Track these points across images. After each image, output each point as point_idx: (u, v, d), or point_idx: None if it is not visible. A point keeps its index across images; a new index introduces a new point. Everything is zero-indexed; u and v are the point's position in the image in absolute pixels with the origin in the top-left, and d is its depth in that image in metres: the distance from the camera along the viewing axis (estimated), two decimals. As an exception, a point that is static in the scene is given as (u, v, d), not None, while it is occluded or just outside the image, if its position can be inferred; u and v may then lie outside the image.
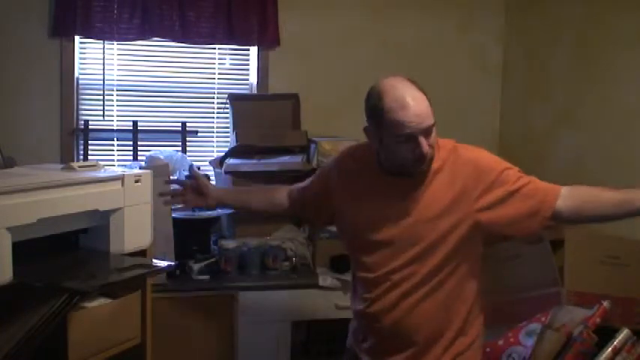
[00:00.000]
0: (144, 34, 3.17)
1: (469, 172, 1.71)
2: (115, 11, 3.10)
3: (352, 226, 1.83)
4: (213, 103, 3.43)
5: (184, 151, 3.30)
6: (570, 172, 3.13)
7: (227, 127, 3.40)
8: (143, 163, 2.85)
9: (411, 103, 1.60)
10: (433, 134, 1.65)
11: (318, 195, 1.94)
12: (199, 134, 3.39)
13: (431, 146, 1.65)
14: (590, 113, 3.03)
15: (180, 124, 3.33)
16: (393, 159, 1.70)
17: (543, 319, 2.20)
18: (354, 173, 1.84)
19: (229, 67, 3.45)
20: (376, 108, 1.64)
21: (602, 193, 1.70)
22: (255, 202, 2.09)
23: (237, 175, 3.02)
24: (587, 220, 1.84)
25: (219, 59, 3.42)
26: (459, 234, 1.70)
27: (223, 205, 2.33)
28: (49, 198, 1.67)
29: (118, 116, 3.29)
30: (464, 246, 1.71)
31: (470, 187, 1.70)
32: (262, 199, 2.08)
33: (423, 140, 1.62)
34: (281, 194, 2.04)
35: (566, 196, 1.69)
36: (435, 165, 1.71)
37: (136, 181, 1.92)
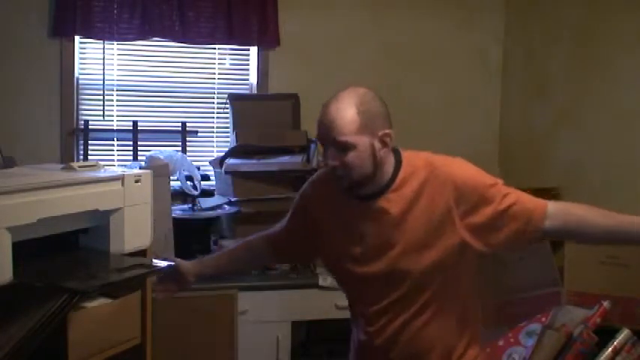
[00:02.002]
0: (144, 34, 3.17)
1: (450, 191, 1.56)
2: (115, 11, 3.10)
3: (339, 258, 1.67)
4: (213, 103, 3.43)
5: (184, 151, 3.30)
6: (570, 172, 3.13)
7: (227, 127, 3.40)
8: (143, 163, 2.85)
9: (330, 110, 1.51)
10: (351, 155, 1.51)
11: (299, 230, 1.77)
12: (199, 134, 3.39)
13: (345, 166, 1.52)
14: (590, 113, 3.03)
15: (180, 124, 3.33)
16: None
17: (543, 319, 2.19)
18: (330, 200, 1.67)
19: (229, 67, 3.45)
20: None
21: (593, 218, 1.57)
22: (236, 263, 1.95)
23: (237, 175, 3.02)
24: (576, 242, 1.78)
25: (219, 59, 3.42)
26: (452, 257, 1.58)
27: (206, 278, 2.03)
28: (49, 198, 1.66)
29: (118, 116, 3.29)
30: (460, 265, 1.62)
31: (453, 207, 1.56)
32: (244, 257, 1.92)
33: (331, 151, 1.53)
34: (260, 244, 1.87)
35: (554, 216, 1.58)
36: (413, 186, 1.58)
37: (136, 181, 1.92)
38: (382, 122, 1.53)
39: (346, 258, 1.65)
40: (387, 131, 1.54)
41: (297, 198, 1.79)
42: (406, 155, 1.62)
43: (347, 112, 1.50)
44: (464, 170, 1.60)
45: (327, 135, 1.52)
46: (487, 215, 1.56)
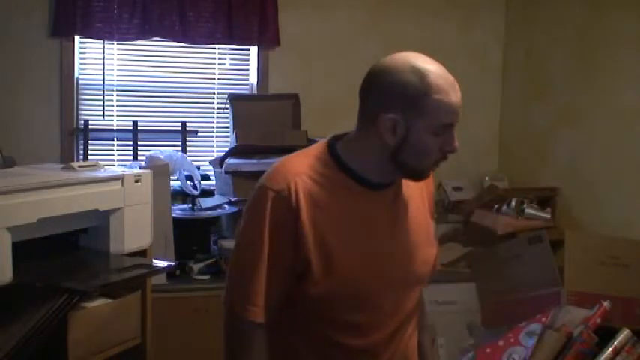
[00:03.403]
0: (144, 34, 3.17)
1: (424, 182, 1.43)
2: (115, 11, 3.10)
3: (360, 268, 1.30)
4: (213, 103, 3.42)
5: (184, 151, 3.30)
6: (570, 172, 3.14)
7: (227, 127, 3.40)
8: (143, 163, 2.85)
9: (456, 85, 1.30)
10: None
11: (287, 269, 1.28)
12: (199, 134, 3.39)
13: None
14: (590, 113, 3.03)
15: (180, 124, 3.33)
16: (412, 159, 1.28)
17: (543, 319, 2.19)
18: (324, 196, 1.28)
19: (229, 67, 3.44)
20: (416, 89, 1.24)
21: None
22: None
23: (237, 175, 3.02)
24: None
25: (219, 59, 3.41)
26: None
27: None
28: (49, 198, 1.67)
29: (118, 116, 3.29)
30: None
31: (425, 199, 1.45)
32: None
33: (453, 131, 1.31)
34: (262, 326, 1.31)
35: None
36: None
37: (136, 181, 1.92)
38: None
39: (377, 269, 1.32)
40: None
41: (265, 228, 1.25)
42: None
43: None
44: None
45: (460, 112, 1.32)
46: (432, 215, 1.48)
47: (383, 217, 1.34)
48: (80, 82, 3.21)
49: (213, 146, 3.44)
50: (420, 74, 1.25)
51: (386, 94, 1.26)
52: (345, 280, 1.28)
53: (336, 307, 1.31)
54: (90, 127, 3.20)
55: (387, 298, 1.34)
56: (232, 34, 3.26)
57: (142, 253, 1.95)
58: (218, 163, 3.10)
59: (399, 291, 1.36)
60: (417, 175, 1.34)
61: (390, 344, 1.37)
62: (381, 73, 1.27)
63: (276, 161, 1.36)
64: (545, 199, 3.18)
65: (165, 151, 3.07)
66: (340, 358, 1.34)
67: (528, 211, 3.06)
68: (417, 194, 1.41)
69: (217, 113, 3.42)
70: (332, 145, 1.34)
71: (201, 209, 2.97)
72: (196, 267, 2.80)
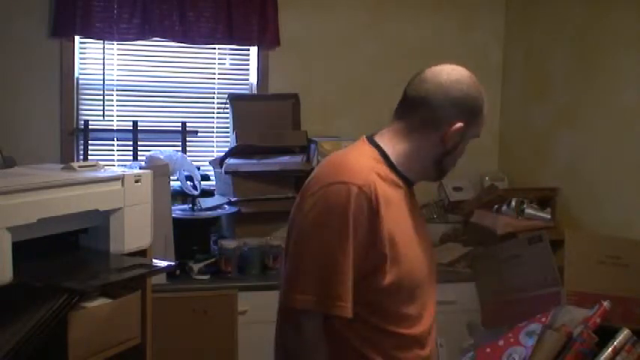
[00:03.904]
0: (144, 34, 3.17)
1: None
2: (115, 11, 3.10)
3: (418, 264, 1.43)
4: (213, 103, 3.42)
5: (184, 151, 3.30)
6: (570, 172, 3.14)
7: (227, 127, 3.40)
8: (143, 163, 2.85)
9: None
10: None
11: (362, 250, 1.34)
12: (199, 134, 3.39)
13: None
14: (590, 113, 3.03)
15: (180, 124, 3.33)
16: (451, 162, 1.49)
17: (543, 319, 2.20)
18: (388, 192, 1.39)
19: (229, 67, 3.45)
20: (477, 103, 1.43)
21: None
22: None
23: (237, 175, 3.02)
24: None
25: (219, 59, 3.42)
26: None
27: None
28: (49, 198, 1.66)
29: (118, 116, 3.29)
30: None
31: None
32: None
33: None
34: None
35: None
36: None
37: (136, 181, 1.92)
38: None
39: (422, 260, 1.45)
40: None
41: (349, 222, 1.30)
42: None
43: None
44: None
45: None
46: None
47: (415, 214, 1.47)
48: (80, 82, 3.22)
49: (213, 146, 3.44)
50: (479, 90, 1.44)
51: (458, 105, 1.40)
52: (407, 271, 1.38)
53: (396, 299, 1.39)
54: (90, 127, 3.20)
55: (426, 290, 1.45)
56: (232, 34, 3.26)
57: (142, 253, 1.94)
58: (218, 163, 3.11)
59: (432, 284, 1.49)
60: (442, 177, 1.53)
61: (430, 336, 1.47)
62: (452, 84, 1.41)
63: (332, 159, 1.45)
64: (545, 199, 3.18)
65: (165, 151, 3.07)
66: (396, 346, 1.41)
67: (528, 211, 3.06)
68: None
69: (217, 113, 3.42)
70: (377, 145, 1.44)
71: (201, 209, 2.97)
72: (196, 267, 2.80)
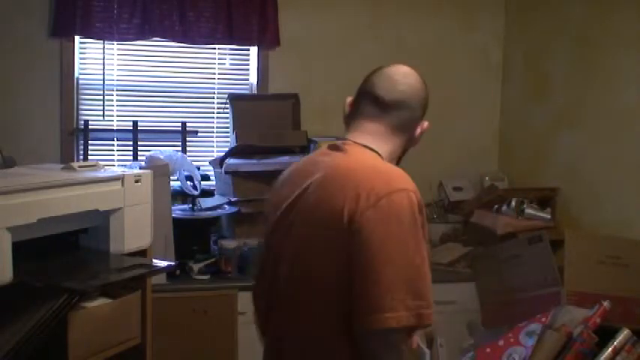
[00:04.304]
0: (144, 34, 3.17)
1: None
2: (115, 11, 3.10)
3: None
4: (213, 103, 3.42)
5: (184, 151, 3.30)
6: (570, 172, 3.14)
7: (227, 127, 3.40)
8: (143, 163, 2.85)
9: None
10: None
11: None
12: (199, 134, 3.39)
13: None
14: (589, 113, 3.03)
15: (180, 124, 3.33)
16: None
17: (543, 319, 2.20)
18: None
19: (229, 67, 3.45)
20: (427, 98, 1.52)
21: None
22: None
23: (237, 175, 3.02)
24: None
25: (219, 59, 3.42)
26: None
27: None
28: (49, 198, 1.66)
29: (118, 116, 3.29)
30: None
31: None
32: None
33: None
34: None
35: None
36: None
37: (136, 181, 1.92)
38: None
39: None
40: None
41: (419, 229, 1.31)
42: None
43: None
44: None
45: None
46: None
47: None
48: (80, 82, 3.22)
49: (213, 146, 3.44)
50: (426, 87, 1.50)
51: (425, 105, 1.50)
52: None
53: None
54: (90, 127, 3.20)
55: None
56: (232, 34, 3.26)
57: (142, 253, 1.94)
58: (218, 163, 3.10)
59: None
60: None
61: None
62: (418, 90, 1.48)
63: (385, 168, 1.40)
64: (545, 199, 3.18)
65: (165, 151, 3.07)
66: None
67: (528, 211, 3.06)
68: None
69: (217, 113, 3.42)
70: (372, 149, 1.45)
71: (201, 209, 2.97)
72: (196, 267, 2.80)
